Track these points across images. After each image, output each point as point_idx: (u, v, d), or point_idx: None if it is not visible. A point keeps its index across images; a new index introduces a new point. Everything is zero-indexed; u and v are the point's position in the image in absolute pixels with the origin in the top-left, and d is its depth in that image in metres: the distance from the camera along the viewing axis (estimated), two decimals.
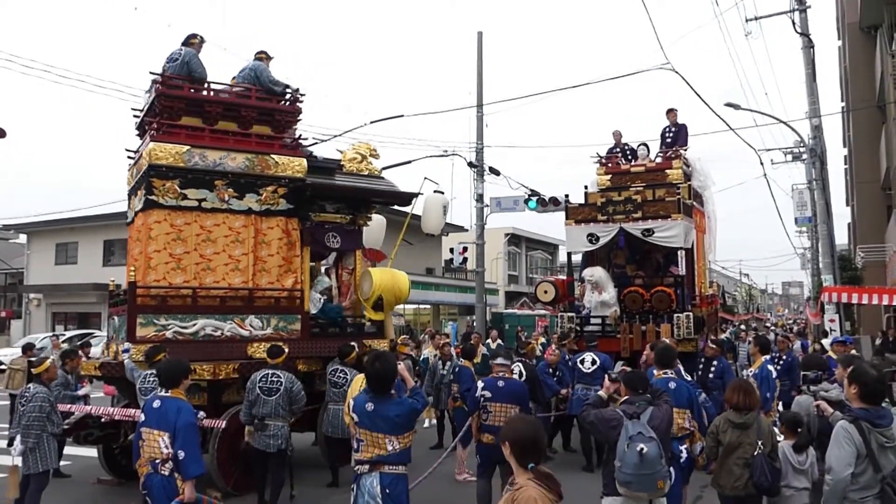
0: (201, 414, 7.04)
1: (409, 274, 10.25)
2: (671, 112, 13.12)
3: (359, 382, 6.21)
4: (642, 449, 4.33)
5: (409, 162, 17.86)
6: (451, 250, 27.32)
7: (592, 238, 11.39)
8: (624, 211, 11.15)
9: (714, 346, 9.51)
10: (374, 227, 10.34)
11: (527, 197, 21.54)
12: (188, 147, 8.04)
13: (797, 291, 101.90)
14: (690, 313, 10.72)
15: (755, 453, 4.98)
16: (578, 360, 9.53)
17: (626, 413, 4.59)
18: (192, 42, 8.61)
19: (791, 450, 5.21)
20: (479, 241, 22.62)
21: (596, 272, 11.42)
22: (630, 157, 12.89)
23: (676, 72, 14.29)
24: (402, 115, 17.68)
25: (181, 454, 4.85)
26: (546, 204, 21.01)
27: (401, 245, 10.54)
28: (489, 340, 19.87)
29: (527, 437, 3.29)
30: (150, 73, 8.39)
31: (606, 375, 5.34)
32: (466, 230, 31.10)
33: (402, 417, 4.68)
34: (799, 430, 5.29)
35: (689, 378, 7.13)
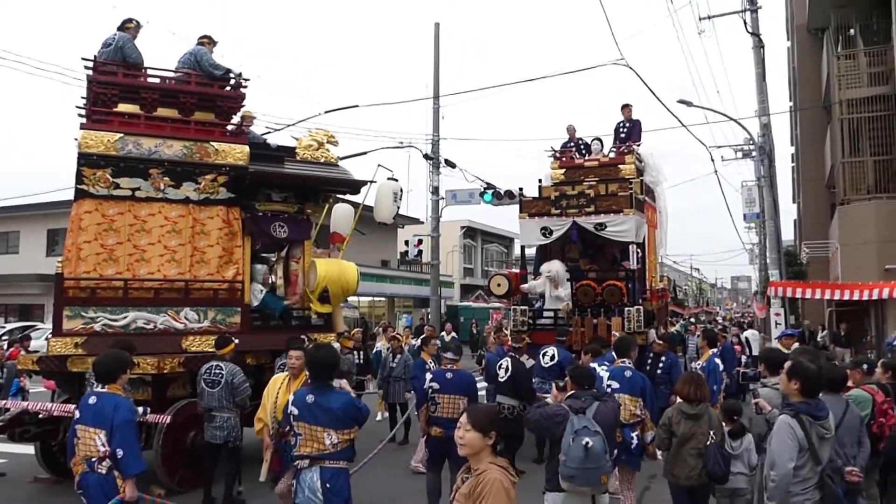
0: (144, 409, 6.85)
1: (363, 266, 10.08)
2: (626, 107, 13.14)
3: (276, 384, 5.95)
4: (588, 443, 4.30)
5: (365, 153, 17.60)
6: (406, 242, 27.14)
7: (546, 232, 11.33)
8: (577, 205, 11.12)
9: (661, 343, 9.51)
10: (342, 216, 10.12)
11: (482, 190, 21.53)
12: (121, 135, 7.74)
13: (745, 286, 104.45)
14: (641, 307, 10.74)
15: (708, 443, 5.03)
16: (540, 354, 9.45)
17: (572, 408, 4.56)
18: (128, 27, 8.28)
19: (727, 436, 5.37)
20: (434, 234, 22.53)
21: (554, 266, 11.41)
22: (584, 152, 12.91)
23: (630, 67, 14.33)
24: (357, 106, 17.42)
25: (119, 452, 4.68)
26: (501, 197, 21.03)
27: (355, 235, 10.31)
28: (443, 333, 19.79)
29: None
30: (82, 59, 8.03)
31: (554, 384, 5.28)
32: (422, 223, 30.92)
33: (341, 410, 4.63)
34: (735, 417, 5.47)
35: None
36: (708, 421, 5.12)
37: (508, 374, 8.24)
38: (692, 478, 5.07)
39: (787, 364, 4.28)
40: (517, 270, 12.65)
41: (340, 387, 4.94)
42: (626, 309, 10.53)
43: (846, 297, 16.97)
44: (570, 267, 11.76)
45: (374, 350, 12.87)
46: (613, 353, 7.28)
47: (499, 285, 11.83)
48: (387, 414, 11.39)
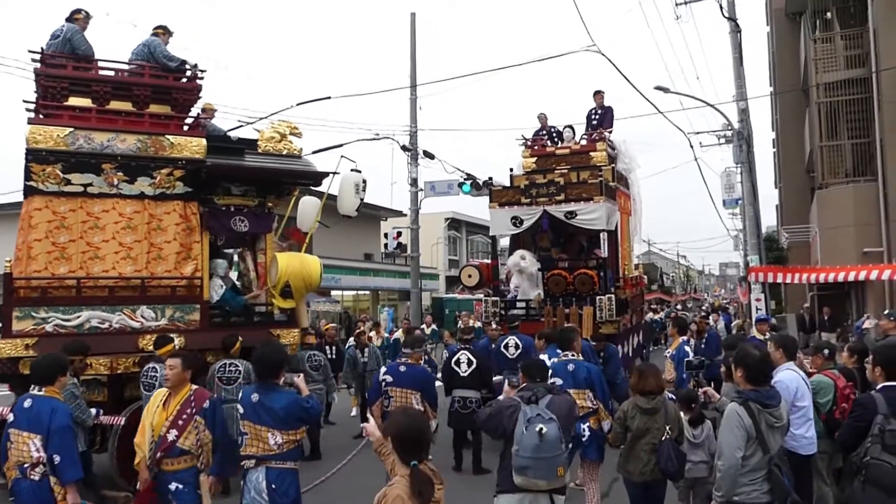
0: (97, 410, 6.68)
1: (346, 259, 9.91)
2: (598, 94, 13.02)
3: (154, 402, 5.03)
4: (542, 429, 4.08)
5: (341, 145, 17.35)
6: (386, 235, 26.99)
7: (516, 221, 11.23)
8: (547, 193, 11.02)
9: (595, 343, 9.19)
10: (307, 210, 9.96)
11: (461, 181, 21.40)
12: (71, 129, 7.50)
13: (734, 272, 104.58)
14: (613, 295, 10.65)
15: (662, 438, 4.87)
16: (502, 346, 9.35)
17: (524, 398, 4.34)
18: (77, 17, 8.04)
19: (686, 424, 5.27)
20: (414, 226, 22.38)
21: (526, 256, 11.31)
22: (556, 140, 12.79)
23: (602, 53, 14.19)
24: (329, 97, 17.17)
25: (56, 458, 4.54)
26: (480, 188, 20.91)
27: (329, 229, 10.12)
28: (423, 326, 19.67)
29: (408, 432, 3.11)
30: (29, 51, 7.82)
31: (507, 381, 5.09)
32: (405, 215, 30.69)
33: (285, 410, 4.53)
34: (693, 405, 5.38)
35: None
36: (664, 415, 4.95)
37: (473, 367, 8.20)
38: (645, 473, 4.91)
39: (735, 352, 4.17)
40: (489, 261, 12.55)
41: (294, 384, 4.81)
42: (598, 297, 10.44)
43: (822, 281, 16.97)
44: (542, 256, 11.66)
45: (347, 345, 12.71)
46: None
47: (469, 276, 11.74)
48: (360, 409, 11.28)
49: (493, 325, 10.49)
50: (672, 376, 7.78)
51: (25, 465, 4.57)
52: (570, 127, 12.63)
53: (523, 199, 11.13)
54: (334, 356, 11.90)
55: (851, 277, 15.60)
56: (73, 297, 7.38)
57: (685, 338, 8.18)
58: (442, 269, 40.44)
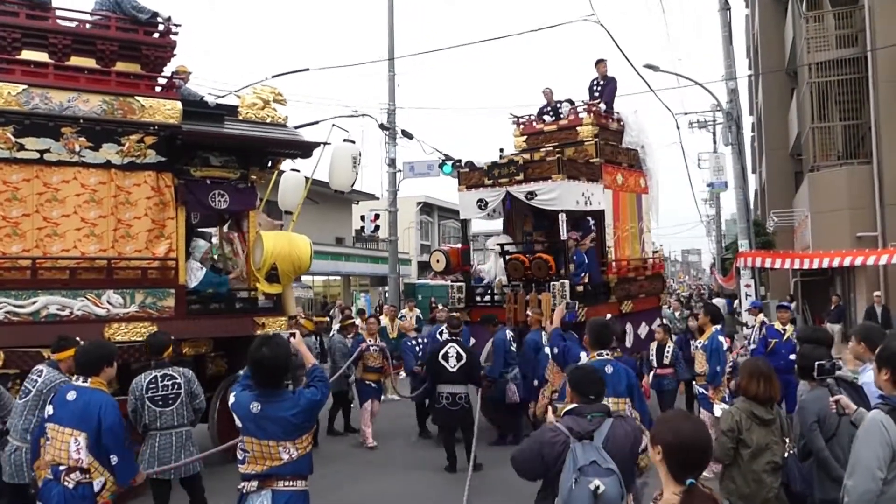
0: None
1: (318, 244, 9.11)
2: (600, 63, 12.16)
3: None
4: (598, 487, 3.07)
5: (317, 122, 16.44)
6: (363, 218, 26.05)
7: (482, 203, 10.63)
8: (508, 174, 10.36)
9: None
10: (291, 187, 9.14)
11: (441, 161, 20.54)
12: (25, 87, 6.52)
13: (696, 259, 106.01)
14: (567, 281, 9.85)
15: (786, 455, 3.97)
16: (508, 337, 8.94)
17: (574, 431, 3.26)
18: None
19: None
20: (392, 209, 21.50)
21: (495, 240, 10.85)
22: (561, 116, 12.03)
23: (601, 24, 13.45)
24: (307, 69, 16.11)
25: (114, 459, 4.07)
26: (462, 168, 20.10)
27: (310, 206, 9.25)
28: (405, 311, 18.90)
29: (689, 442, 2.34)
30: None
31: (550, 407, 3.91)
32: (378, 198, 29.77)
33: (299, 416, 3.66)
34: None
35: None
36: (780, 426, 4.05)
37: (462, 361, 7.74)
38: (770, 501, 3.92)
39: (878, 350, 3.40)
40: (458, 245, 11.87)
41: (295, 345, 4.06)
42: (552, 284, 9.66)
43: (815, 266, 16.56)
44: (526, 240, 11.08)
45: (332, 334, 11.87)
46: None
47: (437, 261, 11.08)
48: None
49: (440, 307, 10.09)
50: (704, 369, 7.12)
51: (61, 468, 4.02)
52: (570, 101, 11.82)
53: (486, 180, 10.53)
54: (318, 348, 11.08)
55: (847, 263, 15.19)
56: (27, 279, 6.47)
57: (718, 327, 7.48)
58: (414, 254, 39.69)
